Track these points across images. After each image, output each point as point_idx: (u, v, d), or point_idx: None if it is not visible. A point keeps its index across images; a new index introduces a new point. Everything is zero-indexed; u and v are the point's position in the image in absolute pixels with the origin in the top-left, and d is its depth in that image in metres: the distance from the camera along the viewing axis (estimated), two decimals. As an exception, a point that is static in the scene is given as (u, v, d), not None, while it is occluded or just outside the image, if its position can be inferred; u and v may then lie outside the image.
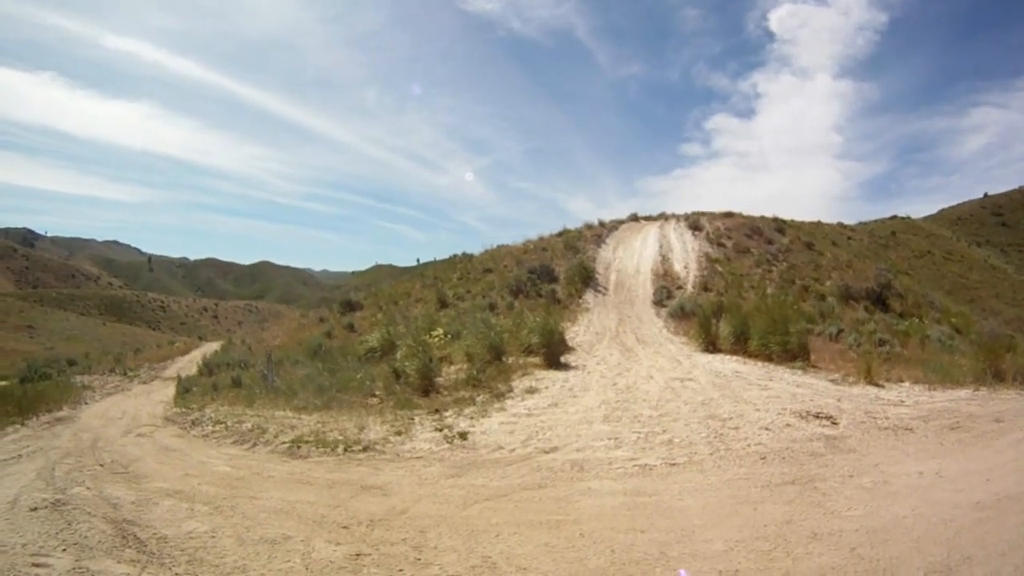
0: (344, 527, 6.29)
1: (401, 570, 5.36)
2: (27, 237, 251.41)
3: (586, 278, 26.57)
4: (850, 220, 71.96)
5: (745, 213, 36.59)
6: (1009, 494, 6.15)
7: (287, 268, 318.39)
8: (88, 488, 8.29)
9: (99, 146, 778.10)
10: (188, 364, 31.34)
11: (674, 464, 7.70)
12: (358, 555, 5.64)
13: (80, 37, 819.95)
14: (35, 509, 7.39)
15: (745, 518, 5.91)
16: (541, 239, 34.66)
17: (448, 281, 31.01)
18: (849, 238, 49.19)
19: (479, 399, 12.04)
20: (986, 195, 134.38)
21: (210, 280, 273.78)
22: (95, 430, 13.28)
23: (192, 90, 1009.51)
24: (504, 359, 15.12)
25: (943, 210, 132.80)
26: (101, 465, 9.69)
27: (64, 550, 6.13)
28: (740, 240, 30.68)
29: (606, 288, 26.15)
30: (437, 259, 47.84)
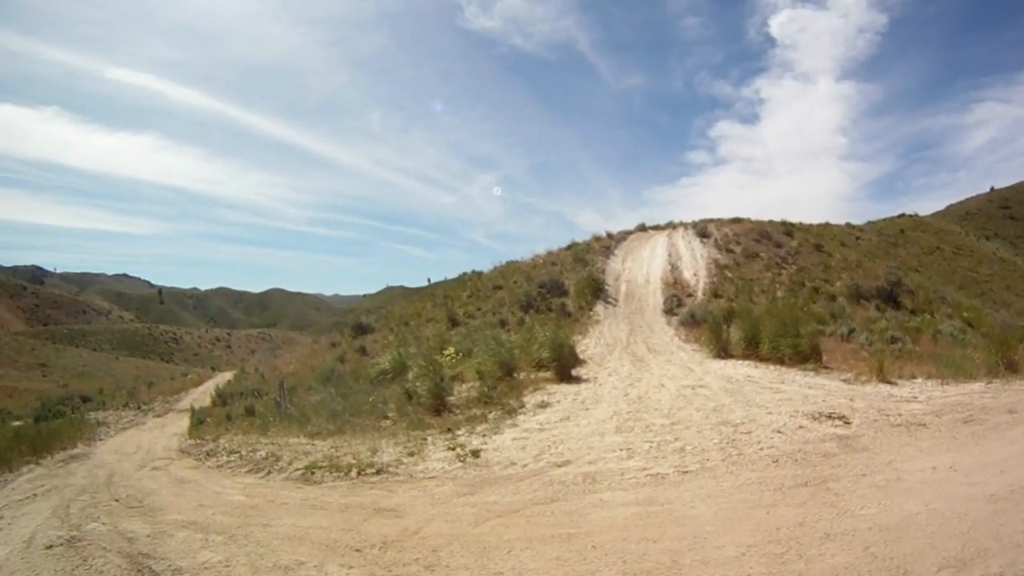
0: (357, 550, 6.28)
1: (413, 590, 5.36)
2: (36, 274, 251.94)
3: (596, 290, 26.48)
4: (858, 220, 71.78)
5: (753, 218, 36.41)
6: (1024, 485, 6.11)
7: (298, 294, 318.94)
8: (103, 523, 8.30)
9: (106, 180, 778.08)
10: (202, 395, 31.57)
11: (686, 472, 7.69)
12: (370, 577, 5.64)
13: (83, 71, 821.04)
14: (50, 547, 7.40)
15: (757, 522, 5.89)
16: (550, 253, 34.42)
17: (458, 299, 30.97)
18: (858, 238, 49.16)
19: (491, 416, 12.04)
20: (993, 189, 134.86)
21: (221, 310, 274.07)
22: (110, 465, 13.31)
23: (196, 119, 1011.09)
24: (516, 375, 15.13)
25: (951, 206, 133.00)
26: (116, 500, 9.70)
27: (79, 586, 6.15)
28: (749, 245, 30.58)
29: (616, 299, 26.10)
30: (447, 278, 47.71)
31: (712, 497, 6.73)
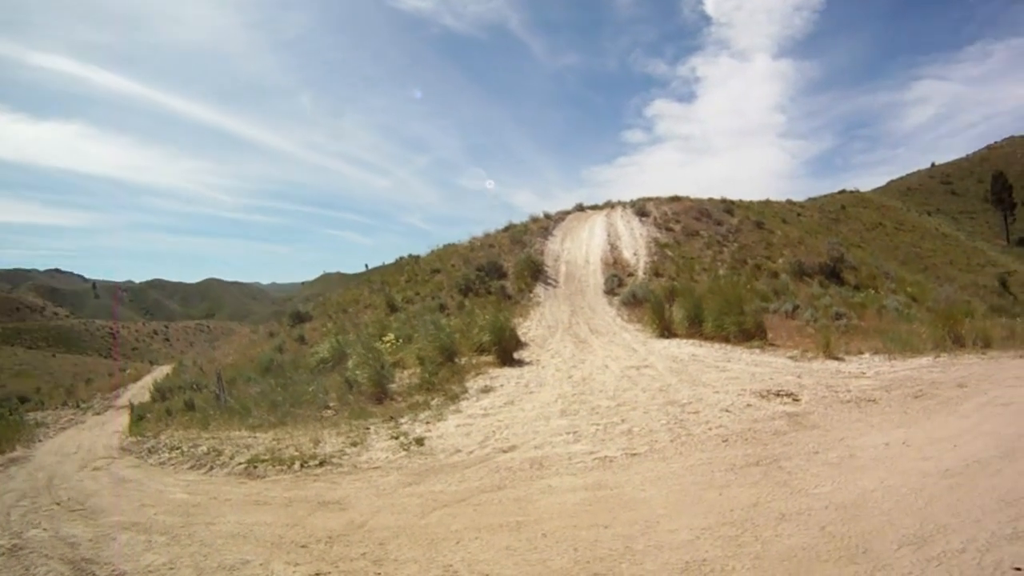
0: (302, 546, 6.10)
1: (361, 586, 5.20)
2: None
3: (535, 272, 26.47)
4: (799, 197, 72.63)
5: (692, 196, 36.72)
6: (978, 459, 6.12)
7: (235, 284, 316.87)
8: (45, 529, 8.00)
9: (33, 171, 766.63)
10: (141, 390, 31.12)
11: (635, 454, 7.61)
12: (317, 574, 5.47)
13: (2, 57, 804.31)
14: (-11, 557, 7.13)
15: (710, 504, 5.81)
16: (487, 235, 34.49)
17: (396, 285, 30.71)
18: (799, 215, 49.75)
19: (434, 403, 11.90)
20: (934, 165, 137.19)
21: (158, 302, 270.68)
22: (50, 468, 12.96)
23: (122, 105, 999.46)
24: (457, 360, 15.02)
25: (892, 182, 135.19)
26: (57, 504, 9.39)
27: (20, 596, 5.96)
28: (689, 223, 30.74)
29: (556, 280, 26.07)
30: (385, 263, 47.41)
31: (662, 480, 6.64)
